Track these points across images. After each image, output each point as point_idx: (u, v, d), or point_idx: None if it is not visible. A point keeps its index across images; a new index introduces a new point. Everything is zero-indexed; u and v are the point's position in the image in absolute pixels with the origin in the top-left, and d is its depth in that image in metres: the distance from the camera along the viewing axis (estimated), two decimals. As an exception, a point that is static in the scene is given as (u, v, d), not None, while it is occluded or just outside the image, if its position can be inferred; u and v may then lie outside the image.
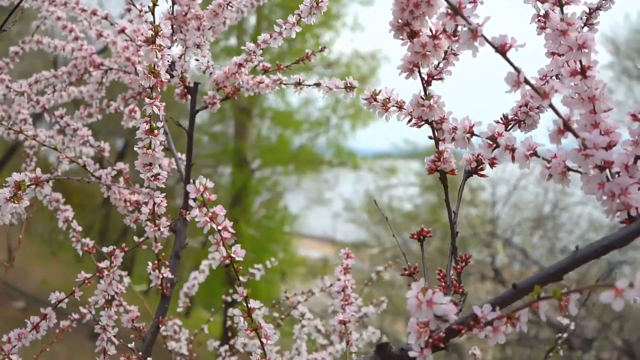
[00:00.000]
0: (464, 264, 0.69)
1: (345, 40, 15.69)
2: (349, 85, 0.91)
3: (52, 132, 1.33)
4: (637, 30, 9.49)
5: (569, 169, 0.61)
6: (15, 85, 1.24)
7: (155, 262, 1.04)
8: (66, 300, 1.01)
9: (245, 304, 0.72)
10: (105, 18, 1.16)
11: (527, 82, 0.56)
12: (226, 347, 1.54)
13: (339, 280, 1.05)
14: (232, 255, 0.70)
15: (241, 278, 0.80)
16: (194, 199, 0.68)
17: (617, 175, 0.59)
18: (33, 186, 0.72)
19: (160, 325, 1.09)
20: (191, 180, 0.67)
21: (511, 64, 0.57)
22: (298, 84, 1.04)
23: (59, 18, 1.30)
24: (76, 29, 1.31)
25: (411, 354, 0.61)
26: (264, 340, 0.72)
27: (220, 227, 0.69)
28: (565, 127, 0.58)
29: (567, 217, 7.60)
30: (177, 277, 1.08)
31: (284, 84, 1.06)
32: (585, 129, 0.60)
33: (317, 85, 0.96)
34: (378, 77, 10.35)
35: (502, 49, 0.57)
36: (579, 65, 0.60)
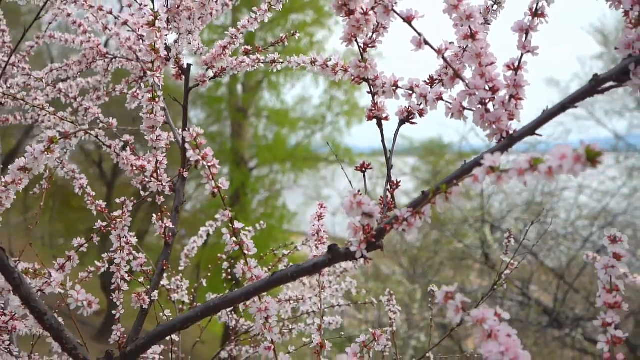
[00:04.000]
0: (395, 187, 0.90)
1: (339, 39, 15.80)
2: (313, 60, 1.12)
3: (66, 113, 1.54)
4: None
5: (464, 108, 0.82)
6: (34, 73, 1.45)
7: (159, 214, 1.25)
8: (86, 245, 1.22)
9: (231, 225, 0.93)
10: (110, 13, 1.37)
11: (426, 42, 0.78)
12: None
13: (313, 225, 1.26)
14: (220, 185, 0.91)
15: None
16: (189, 142, 0.89)
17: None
18: (63, 139, 0.92)
19: (165, 268, 1.30)
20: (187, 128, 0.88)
21: (415, 30, 0.78)
22: (273, 61, 1.25)
23: (69, 15, 1.51)
24: (84, 24, 1.52)
25: (352, 248, 0.82)
26: (245, 252, 0.93)
27: (210, 164, 0.90)
28: (456, 75, 0.79)
29: (557, 204, 7.82)
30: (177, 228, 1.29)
31: (262, 63, 1.27)
32: (474, 77, 0.81)
33: (289, 62, 1.16)
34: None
35: (408, 19, 0.78)
36: (469, 31, 0.81)
